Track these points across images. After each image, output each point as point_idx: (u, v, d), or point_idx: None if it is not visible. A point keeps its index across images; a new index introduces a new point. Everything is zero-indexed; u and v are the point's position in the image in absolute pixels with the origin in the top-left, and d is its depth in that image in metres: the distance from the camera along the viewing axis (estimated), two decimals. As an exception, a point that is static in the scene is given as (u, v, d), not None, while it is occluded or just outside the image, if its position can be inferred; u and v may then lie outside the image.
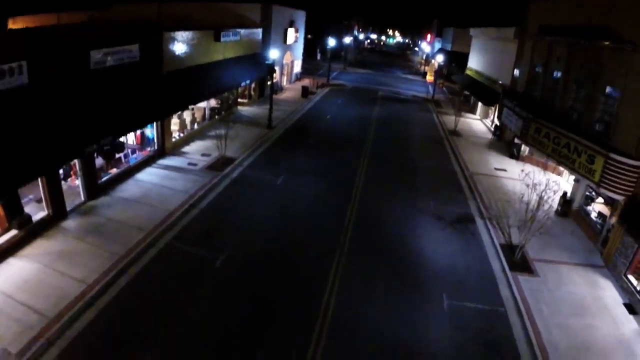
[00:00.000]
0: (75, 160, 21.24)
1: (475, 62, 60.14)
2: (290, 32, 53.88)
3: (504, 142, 42.09)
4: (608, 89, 24.11)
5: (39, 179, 18.87)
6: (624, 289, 19.82)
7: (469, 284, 19.57)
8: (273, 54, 41.31)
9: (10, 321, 13.99)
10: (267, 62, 40.98)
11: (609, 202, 23.70)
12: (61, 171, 20.61)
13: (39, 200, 19.49)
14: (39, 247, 18.15)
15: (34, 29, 18.51)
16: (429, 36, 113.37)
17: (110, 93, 22.02)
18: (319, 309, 16.83)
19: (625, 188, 20.90)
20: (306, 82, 58.93)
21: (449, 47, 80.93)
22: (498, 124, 44.88)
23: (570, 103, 28.17)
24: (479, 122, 52.14)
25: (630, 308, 18.71)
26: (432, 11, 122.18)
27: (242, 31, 40.47)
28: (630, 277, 19.87)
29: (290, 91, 56.71)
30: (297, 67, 66.57)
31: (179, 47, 29.44)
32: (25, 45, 16.91)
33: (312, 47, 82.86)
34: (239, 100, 43.85)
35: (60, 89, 18.93)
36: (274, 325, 15.74)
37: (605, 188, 21.77)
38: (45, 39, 17.91)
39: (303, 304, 16.98)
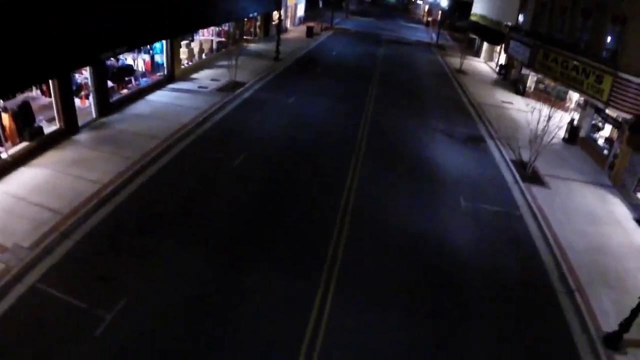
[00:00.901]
0: (87, 79, 21.19)
1: (479, 7, 59.43)
2: (295, -29, 53.08)
3: (508, 81, 42.14)
4: (615, 15, 24.07)
5: (52, 94, 18.88)
6: (633, 205, 20.19)
7: (484, 190, 19.99)
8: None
9: (22, 219, 14.00)
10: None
11: (616, 126, 23.91)
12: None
13: (51, 120, 19.41)
14: (51, 156, 18.14)
15: None
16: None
17: (123, 7, 21.71)
18: (339, 205, 17.25)
19: (633, 106, 21.13)
20: (305, 27, 58.38)
21: (452, -3, 79.74)
22: (503, 64, 44.84)
23: (578, 34, 28.10)
24: (484, 65, 52.08)
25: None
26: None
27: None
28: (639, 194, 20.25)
29: (294, 32, 56.33)
30: (300, 11, 65.80)
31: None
32: None
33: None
34: (245, 37, 43.51)
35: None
36: (295, 216, 16.11)
37: (614, 107, 22.09)
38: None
39: (323, 204, 17.31)
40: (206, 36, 35.32)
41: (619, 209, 19.95)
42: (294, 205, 16.71)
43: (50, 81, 18.56)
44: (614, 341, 12.05)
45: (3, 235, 13.01)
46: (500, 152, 24.33)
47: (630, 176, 20.93)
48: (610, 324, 12.52)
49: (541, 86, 35.36)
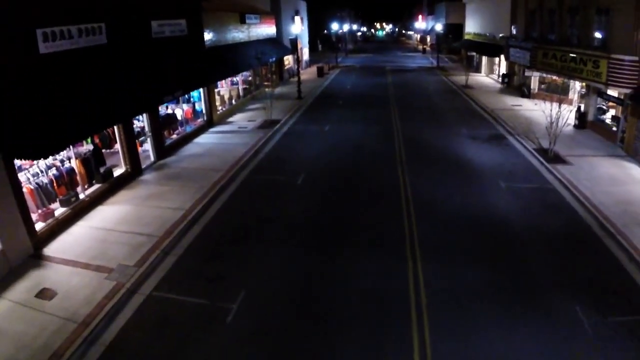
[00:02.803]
0: (143, 126, 24.18)
1: (472, 26, 63.33)
2: (297, 20, 57.14)
3: (512, 88, 45.17)
4: (599, 7, 27.43)
5: (118, 140, 21.64)
6: (647, 163, 22.73)
7: (517, 173, 22.64)
8: (295, 29, 44.60)
9: (118, 245, 15.58)
10: (290, 37, 44.07)
11: (619, 104, 26.66)
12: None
13: (114, 166, 21.80)
14: (124, 195, 20.04)
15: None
16: (420, 17, 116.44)
17: (168, 59, 25.05)
18: (400, 198, 19.96)
19: (629, 81, 24.05)
20: (315, 68, 62.07)
21: (443, 22, 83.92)
22: (505, 73, 48.01)
23: (568, 31, 31.37)
24: (486, 78, 55.26)
25: None
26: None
27: (260, 16, 43.84)
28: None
29: (305, 74, 59.77)
30: (306, 55, 69.79)
31: (214, 26, 32.67)
32: (103, 9, 19.61)
33: (312, 39, 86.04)
34: (265, 83, 47.13)
35: (130, 51, 21.64)
36: (366, 211, 18.82)
37: (613, 85, 25.05)
38: (118, 6, 20.84)
39: (385, 197, 20.10)
40: (233, 85, 38.67)
41: (636, 171, 22.38)
42: (361, 206, 19.25)
43: (116, 129, 21.20)
44: None
45: (104, 259, 14.74)
46: (522, 144, 26.96)
47: (639, 140, 23.51)
48: (651, 252, 14.72)
49: (544, 86, 38.32)
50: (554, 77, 33.87)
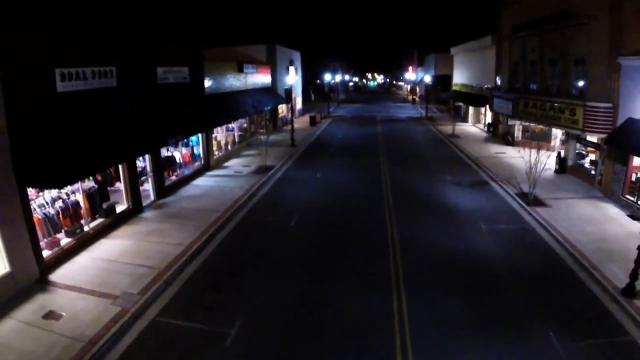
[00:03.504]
0: (145, 166, 25.54)
1: (459, 77, 65.95)
2: (292, 70, 59.43)
3: (497, 136, 47.10)
4: (576, 58, 29.53)
5: (122, 178, 22.96)
6: (624, 205, 24.06)
7: (498, 216, 23.94)
8: (290, 79, 46.84)
9: (121, 275, 16.66)
10: (285, 88, 46.04)
11: (597, 148, 28.30)
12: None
13: (116, 203, 23.01)
14: (126, 230, 21.24)
15: (121, 42, 22.81)
16: (410, 68, 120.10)
17: (171, 103, 26.77)
18: (387, 238, 21.20)
19: (604, 126, 25.76)
20: (307, 117, 64.13)
21: (432, 73, 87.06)
22: (490, 122, 50.04)
23: (548, 81, 33.48)
24: (472, 127, 57.30)
25: (633, 217, 22.81)
26: (409, 43, 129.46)
27: (256, 66, 46.03)
28: (627, 196, 24.19)
29: (298, 123, 61.63)
30: (299, 104, 71.97)
31: (214, 74, 34.55)
32: (114, 54, 21.34)
33: (305, 88, 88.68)
34: (259, 130, 48.85)
35: (137, 94, 23.31)
36: (355, 249, 20.04)
37: (589, 130, 26.82)
38: (128, 51, 22.58)
39: (372, 237, 21.31)
40: (229, 131, 40.23)
41: (612, 210, 23.77)
42: (350, 245, 20.40)
43: (120, 167, 22.53)
44: (629, 290, 15.47)
45: (108, 287, 15.76)
46: (504, 189, 28.36)
47: (616, 182, 24.95)
48: (623, 282, 15.83)
49: (527, 134, 40.15)
50: (537, 125, 35.64)
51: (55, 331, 13.44)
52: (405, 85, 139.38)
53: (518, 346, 13.14)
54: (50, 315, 14.25)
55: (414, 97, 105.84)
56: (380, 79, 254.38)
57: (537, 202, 25.38)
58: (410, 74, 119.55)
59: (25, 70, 15.94)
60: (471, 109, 59.98)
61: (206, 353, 12.94)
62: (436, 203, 26.19)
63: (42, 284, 16.15)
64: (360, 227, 22.50)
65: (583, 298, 15.88)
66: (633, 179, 24.03)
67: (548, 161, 25.87)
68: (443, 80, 77.99)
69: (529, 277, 17.33)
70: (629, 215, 22.95)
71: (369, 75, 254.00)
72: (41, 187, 16.65)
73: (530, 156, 25.12)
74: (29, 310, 14.51)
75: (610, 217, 22.98)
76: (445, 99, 73.36)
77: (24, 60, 15.89)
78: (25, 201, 16.03)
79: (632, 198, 23.83)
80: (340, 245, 20.44)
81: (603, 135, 26.08)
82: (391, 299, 15.83)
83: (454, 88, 68.23)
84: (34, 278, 16.22)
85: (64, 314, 14.33)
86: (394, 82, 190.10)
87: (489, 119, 51.18)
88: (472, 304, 15.50)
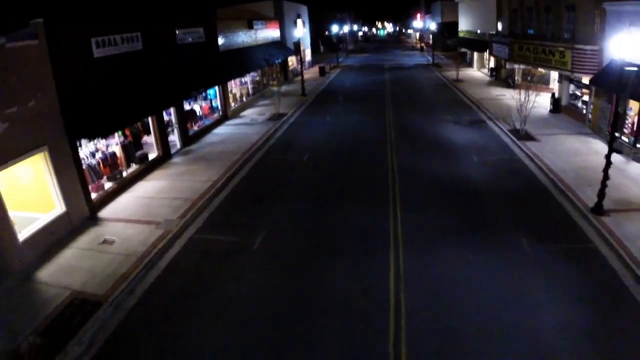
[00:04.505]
0: (172, 118, 28.28)
1: (464, 24, 67.18)
2: (299, 23, 61.02)
3: (500, 80, 48.94)
4: (567, 4, 31.29)
5: (152, 129, 25.70)
6: (608, 140, 26.27)
7: (489, 149, 26.44)
8: (297, 32, 49.03)
9: (161, 207, 19.57)
10: (294, 41, 48.15)
11: (587, 88, 30.36)
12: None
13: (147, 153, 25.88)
14: (159, 173, 24.02)
15: (144, 9, 25.45)
16: (418, 16, 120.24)
17: (190, 61, 29.33)
18: (387, 168, 24.00)
19: (590, 67, 27.77)
20: (317, 68, 66.03)
21: (439, 21, 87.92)
22: (493, 67, 51.78)
23: (543, 27, 35.34)
24: (477, 72, 58.99)
25: (616, 150, 24.75)
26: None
27: (265, 22, 48.14)
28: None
29: (307, 74, 63.69)
30: (308, 56, 73.73)
31: (226, 32, 36.93)
32: (139, 21, 23.92)
33: (314, 40, 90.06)
34: (271, 82, 51.15)
35: (160, 55, 25.87)
36: (360, 178, 22.79)
37: (576, 71, 28.80)
38: (150, 18, 25.15)
39: (375, 168, 24.10)
40: (242, 84, 42.72)
41: (598, 145, 25.81)
42: (358, 173, 23.44)
43: (150, 120, 25.26)
44: (598, 208, 17.78)
45: (150, 217, 18.62)
46: (499, 127, 30.73)
47: (602, 119, 27.12)
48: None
49: (528, 78, 42.00)
50: (536, 69, 37.57)
51: (110, 252, 16.36)
52: (414, 34, 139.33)
53: (493, 247, 15.90)
54: (104, 242, 17.14)
55: (422, 44, 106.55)
56: (390, 27, 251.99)
57: (528, 137, 27.72)
58: (418, 22, 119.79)
59: (68, 44, 18.52)
60: (476, 55, 61.43)
61: (237, 257, 16.04)
62: (434, 139, 28.83)
63: (92, 220, 18.99)
64: (365, 160, 25.39)
65: (556, 214, 18.43)
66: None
67: (543, 101, 27.86)
68: (449, 28, 79.07)
69: (510, 196, 19.96)
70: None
71: (379, 25, 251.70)
72: (88, 137, 19.39)
73: (520, 95, 27.32)
74: (85, 240, 17.37)
75: (595, 150, 25.04)
76: (451, 45, 74.57)
77: (67, 36, 18.49)
78: (75, 153, 18.73)
79: (616, 134, 25.98)
80: (347, 175, 23.35)
81: (589, 76, 28.08)
82: (388, 212, 18.79)
83: (460, 34, 69.46)
84: (85, 216, 19.01)
85: (115, 239, 17.25)
86: (404, 30, 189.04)
87: (492, 64, 52.84)
88: (457, 216, 18.27)
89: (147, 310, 13.38)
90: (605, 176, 17.60)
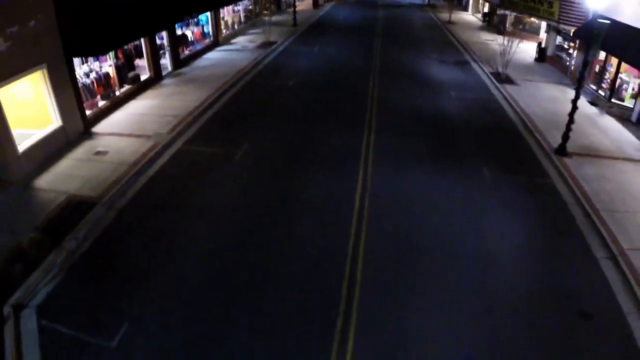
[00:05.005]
0: (165, 41, 28.83)
1: (464, -34, 66.57)
2: (296, -49, 60.06)
3: (492, 26, 49.31)
4: None
5: (144, 51, 26.26)
6: (586, 92, 27.12)
7: (469, 87, 27.61)
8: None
9: (151, 122, 20.65)
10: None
11: (573, 41, 31.16)
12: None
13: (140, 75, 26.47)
14: (151, 93, 24.80)
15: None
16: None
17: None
18: (367, 96, 25.34)
19: (575, 20, 28.50)
20: (311, 1, 65.33)
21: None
22: (487, 12, 52.00)
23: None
24: (471, 16, 59.09)
25: (592, 103, 25.98)
26: None
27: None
28: (592, 85, 27.39)
29: (301, 5, 63.13)
30: (303, -14, 72.77)
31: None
32: None
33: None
34: (263, 12, 51.02)
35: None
36: (341, 103, 23.87)
37: (562, 23, 29.52)
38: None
39: (356, 96, 25.38)
40: (235, 12, 42.88)
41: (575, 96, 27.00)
42: (337, 101, 24.64)
43: (143, 42, 25.74)
44: (561, 149, 19.12)
45: (141, 131, 19.66)
46: (482, 69, 31.70)
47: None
48: (560, 146, 19.59)
49: (519, 26, 42.54)
50: (529, 17, 38.05)
51: (104, 161, 17.45)
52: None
53: (456, 171, 17.40)
54: (98, 153, 18.18)
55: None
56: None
57: (508, 81, 28.79)
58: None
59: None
60: (471, -2, 61.38)
61: (221, 165, 17.55)
62: (417, 74, 29.97)
63: (87, 135, 19.91)
64: (347, 89, 26.57)
65: (521, 151, 19.81)
66: (597, 70, 27.11)
67: (530, 50, 28.97)
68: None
69: (481, 131, 21.34)
70: (588, 101, 26.02)
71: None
72: (84, 55, 20.18)
73: (504, 40, 28.17)
74: (80, 152, 18.37)
75: (571, 99, 26.12)
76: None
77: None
78: (72, 71, 19.44)
79: (594, 87, 27.09)
80: (330, 100, 24.65)
81: (574, 29, 28.87)
82: (363, 135, 20.24)
83: (458, -24, 68.84)
84: (80, 131, 19.89)
85: (108, 150, 18.32)
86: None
87: (486, 9, 52.97)
88: (427, 143, 19.74)
89: (137, 210, 14.70)
90: (571, 120, 18.81)
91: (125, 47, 24.54)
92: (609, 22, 16.91)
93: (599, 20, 17.15)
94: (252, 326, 10.31)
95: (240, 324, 10.32)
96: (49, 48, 17.65)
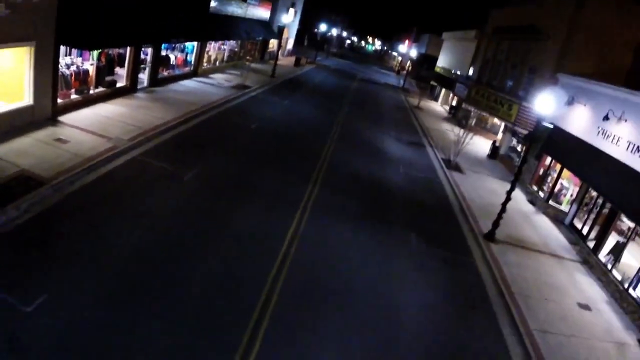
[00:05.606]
0: (148, 57, 30.13)
1: (443, 61, 70.63)
2: (291, 11, 63.26)
3: (456, 119, 52.23)
4: (530, 66, 34.65)
5: (127, 60, 27.53)
6: (527, 192, 29.40)
7: (418, 166, 29.46)
8: (286, 18, 51.10)
9: (115, 127, 21.29)
10: (279, 25, 50.46)
11: (524, 143, 33.67)
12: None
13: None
14: (122, 101, 25.68)
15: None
16: (407, 42, 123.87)
17: (179, 12, 31.16)
18: (320, 156, 26.56)
19: (530, 123, 31.05)
20: (294, 58, 68.28)
21: (423, 51, 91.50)
22: (454, 105, 55.28)
23: (507, 81, 38.77)
24: (439, 107, 62.54)
25: (530, 202, 28.06)
26: (411, 18, 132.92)
27: (259, 0, 50.34)
28: (533, 186, 29.57)
29: (284, 61, 65.98)
30: (290, 45, 75.95)
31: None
32: None
33: (300, 35, 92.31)
34: (247, 57, 53.17)
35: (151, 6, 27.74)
36: (294, 155, 25.26)
37: (518, 125, 32.01)
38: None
39: (310, 153, 26.67)
40: (220, 50, 44.71)
41: (516, 193, 27.42)
42: (295, 151, 25.93)
43: (128, 51, 27.06)
44: (490, 235, 20.63)
45: (104, 132, 20.35)
46: (435, 153, 33.86)
47: (527, 173, 29.95)
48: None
49: (482, 124, 45.59)
50: (491, 117, 40.90)
51: (62, 149, 18.12)
52: (398, 57, 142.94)
53: (385, 234, 18.66)
54: (58, 140, 18.84)
55: (400, 68, 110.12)
56: (378, 45, 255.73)
57: (457, 169, 30.81)
58: (405, 47, 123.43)
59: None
60: (443, 91, 64.85)
61: (170, 181, 18.33)
62: (373, 146, 31.90)
63: (53, 121, 20.64)
64: (304, 144, 28.03)
65: (452, 229, 21.33)
66: (540, 173, 29.38)
67: (483, 145, 32.56)
68: (429, 60, 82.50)
69: (418, 206, 22.87)
70: (528, 200, 28.14)
71: (370, 39, 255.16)
72: (73, 45, 21.33)
73: (460, 131, 30.48)
74: (42, 135, 19.01)
75: (512, 195, 28.06)
76: (424, 76, 77.94)
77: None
78: (57, 57, 20.37)
79: (535, 188, 29.27)
80: (284, 150, 25.88)
81: (526, 131, 31.40)
82: (307, 187, 21.33)
83: (436, 69, 72.93)
84: (47, 116, 20.59)
85: (70, 140, 19.00)
86: (389, 51, 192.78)
87: (454, 103, 56.23)
88: (364, 206, 20.94)
89: (81, 200, 15.36)
90: (503, 208, 20.51)
91: (110, 52, 25.75)
92: (551, 126, 18.84)
93: (543, 123, 19.05)
94: (149, 326, 11.09)
95: (138, 321, 10.96)
96: (42, 28, 18.59)
